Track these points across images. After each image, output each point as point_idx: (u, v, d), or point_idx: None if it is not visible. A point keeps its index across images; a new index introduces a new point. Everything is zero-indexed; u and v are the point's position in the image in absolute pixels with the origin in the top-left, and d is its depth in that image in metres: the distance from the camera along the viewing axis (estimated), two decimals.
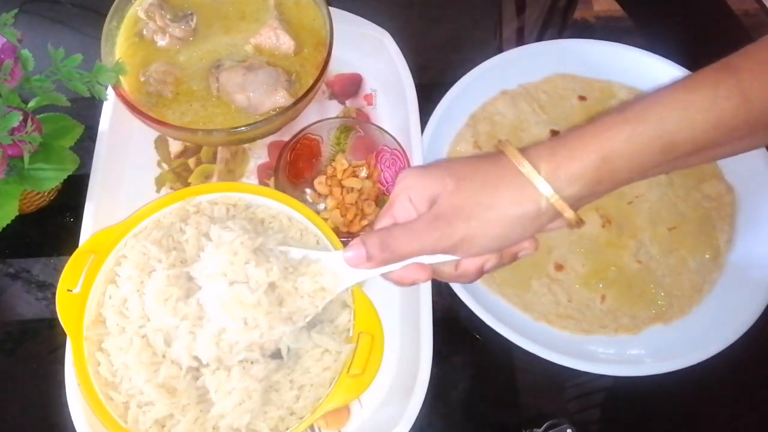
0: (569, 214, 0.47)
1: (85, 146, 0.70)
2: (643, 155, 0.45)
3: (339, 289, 0.55)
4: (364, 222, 0.70)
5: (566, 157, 0.46)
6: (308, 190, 0.73)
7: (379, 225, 0.53)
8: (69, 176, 0.66)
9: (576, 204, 0.48)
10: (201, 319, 0.53)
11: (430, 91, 0.76)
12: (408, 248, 0.50)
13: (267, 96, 0.66)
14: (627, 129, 0.45)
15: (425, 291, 0.64)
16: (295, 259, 0.56)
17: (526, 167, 0.47)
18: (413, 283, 0.53)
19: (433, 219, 0.49)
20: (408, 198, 0.51)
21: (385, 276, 0.54)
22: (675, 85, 0.46)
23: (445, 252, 0.50)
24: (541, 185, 0.46)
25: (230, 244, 0.54)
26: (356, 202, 0.71)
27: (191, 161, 0.75)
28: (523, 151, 0.48)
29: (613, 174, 0.46)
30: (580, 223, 0.48)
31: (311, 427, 0.61)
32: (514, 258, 0.53)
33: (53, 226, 0.73)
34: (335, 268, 0.55)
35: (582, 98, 0.81)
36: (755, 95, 0.44)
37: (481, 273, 0.53)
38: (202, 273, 0.54)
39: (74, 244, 0.63)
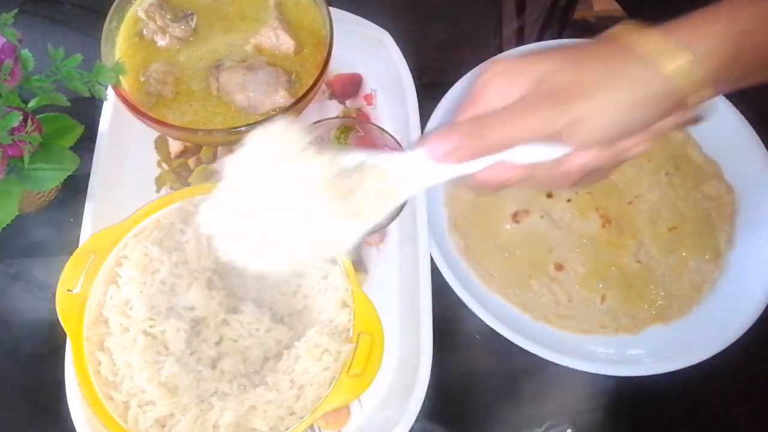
0: (706, 92, 0.41)
1: (85, 146, 0.69)
2: None
3: (407, 194, 0.45)
4: None
5: (701, 30, 0.40)
6: None
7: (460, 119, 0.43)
8: (69, 176, 0.66)
9: (713, 85, 0.41)
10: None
11: (430, 91, 0.76)
12: (508, 133, 0.41)
13: (267, 96, 0.66)
14: (761, 4, 0.40)
15: (425, 290, 0.64)
16: (350, 165, 0.45)
17: (655, 41, 0.40)
18: (499, 187, 0.44)
19: (545, 95, 0.41)
20: (508, 80, 0.42)
21: (465, 181, 0.45)
22: None
23: (550, 138, 0.42)
24: (673, 58, 0.40)
25: (284, 129, 0.44)
26: None
27: (191, 161, 0.75)
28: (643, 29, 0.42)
29: (754, 50, 0.41)
30: (705, 116, 0.43)
31: (311, 426, 0.61)
32: (619, 161, 0.45)
33: (53, 226, 0.72)
34: (403, 170, 0.45)
35: None
36: None
37: (583, 175, 0.44)
38: (242, 162, 0.44)
39: (74, 244, 0.63)
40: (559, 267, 0.71)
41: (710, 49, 0.40)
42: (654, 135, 0.44)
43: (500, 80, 0.43)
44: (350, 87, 0.80)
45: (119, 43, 0.69)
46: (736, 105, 0.76)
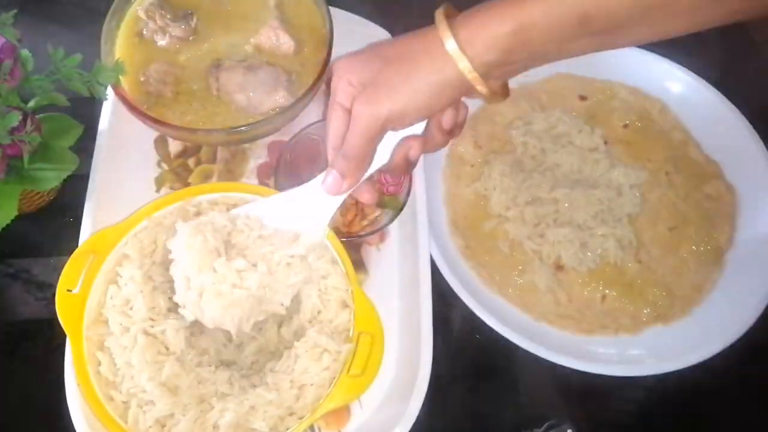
0: (482, 88, 0.48)
1: (85, 146, 0.69)
2: (559, 26, 0.46)
3: (321, 234, 0.58)
4: (364, 222, 0.70)
5: (482, 24, 0.47)
6: None
7: (331, 116, 0.54)
8: (68, 176, 0.66)
9: (492, 72, 0.48)
10: None
11: None
12: (357, 142, 0.51)
13: (267, 96, 0.66)
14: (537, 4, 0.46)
15: (425, 290, 0.64)
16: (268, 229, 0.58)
17: (448, 40, 0.47)
18: (409, 160, 0.54)
19: (365, 100, 0.50)
20: (348, 82, 0.52)
21: (380, 172, 0.56)
22: None
23: (384, 129, 0.51)
24: (456, 55, 0.47)
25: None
26: (356, 202, 0.71)
27: (191, 161, 0.75)
28: (450, 18, 0.48)
29: (527, 43, 0.46)
30: (495, 96, 0.50)
31: (311, 427, 0.61)
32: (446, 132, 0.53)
33: (53, 226, 0.72)
34: (304, 207, 0.57)
35: (582, 98, 0.81)
36: None
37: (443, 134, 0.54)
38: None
39: (74, 244, 0.63)
40: (560, 267, 0.71)
41: (489, 44, 0.47)
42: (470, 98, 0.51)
43: (343, 83, 0.52)
44: None
45: (119, 43, 0.69)
46: (736, 105, 0.76)
